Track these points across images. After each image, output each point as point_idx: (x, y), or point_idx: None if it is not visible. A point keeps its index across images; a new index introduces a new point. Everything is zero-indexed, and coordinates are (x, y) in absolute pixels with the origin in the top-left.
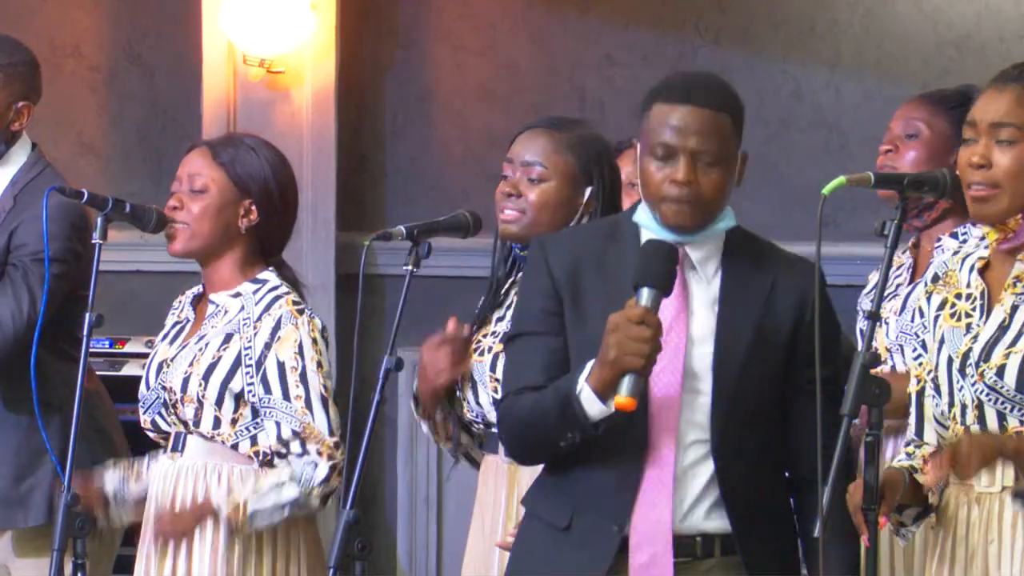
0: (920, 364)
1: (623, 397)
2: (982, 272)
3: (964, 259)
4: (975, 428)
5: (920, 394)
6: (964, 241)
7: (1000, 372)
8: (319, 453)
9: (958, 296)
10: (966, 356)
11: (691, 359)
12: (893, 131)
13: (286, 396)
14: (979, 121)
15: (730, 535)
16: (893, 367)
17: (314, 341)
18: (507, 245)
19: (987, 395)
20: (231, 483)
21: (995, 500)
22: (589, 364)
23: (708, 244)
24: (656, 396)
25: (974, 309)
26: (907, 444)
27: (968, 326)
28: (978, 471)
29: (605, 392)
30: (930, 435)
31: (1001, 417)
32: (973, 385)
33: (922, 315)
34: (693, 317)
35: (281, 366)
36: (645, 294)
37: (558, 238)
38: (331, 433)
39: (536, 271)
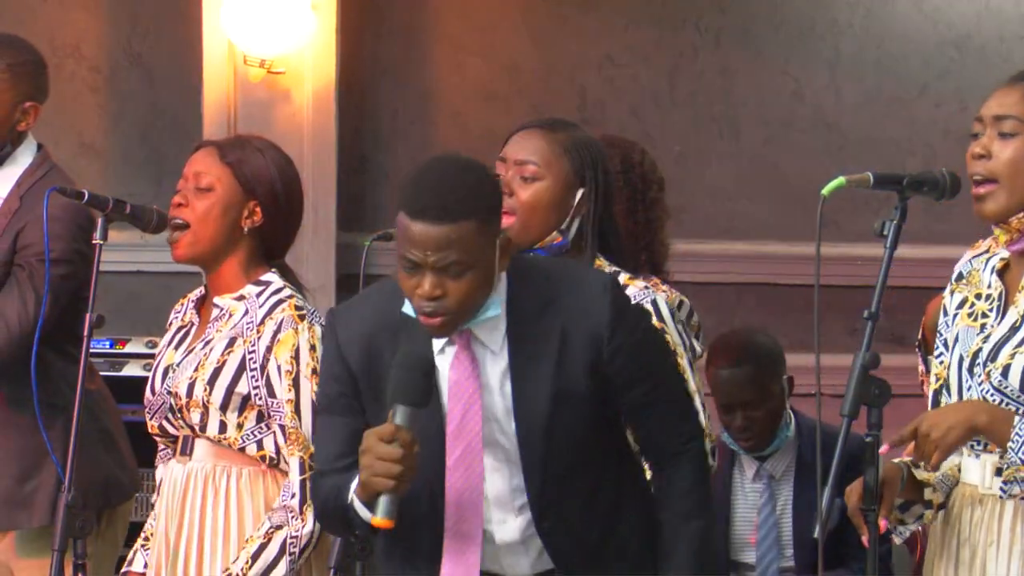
0: (941, 363)
1: (378, 518)
2: (1001, 273)
3: (988, 260)
4: None
5: (938, 392)
6: None
7: (1005, 372)
8: (303, 472)
9: (978, 296)
10: (975, 356)
11: (493, 434)
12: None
13: (279, 399)
14: (985, 116)
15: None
16: None
17: (312, 348)
18: None
19: (993, 395)
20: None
21: (996, 502)
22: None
23: (490, 319)
24: (455, 487)
25: (991, 310)
26: None
27: (983, 326)
28: (946, 456)
29: (371, 505)
30: None
31: None
32: (980, 385)
33: (945, 314)
34: (489, 393)
35: (278, 369)
36: (399, 412)
37: (350, 314)
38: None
39: (329, 352)
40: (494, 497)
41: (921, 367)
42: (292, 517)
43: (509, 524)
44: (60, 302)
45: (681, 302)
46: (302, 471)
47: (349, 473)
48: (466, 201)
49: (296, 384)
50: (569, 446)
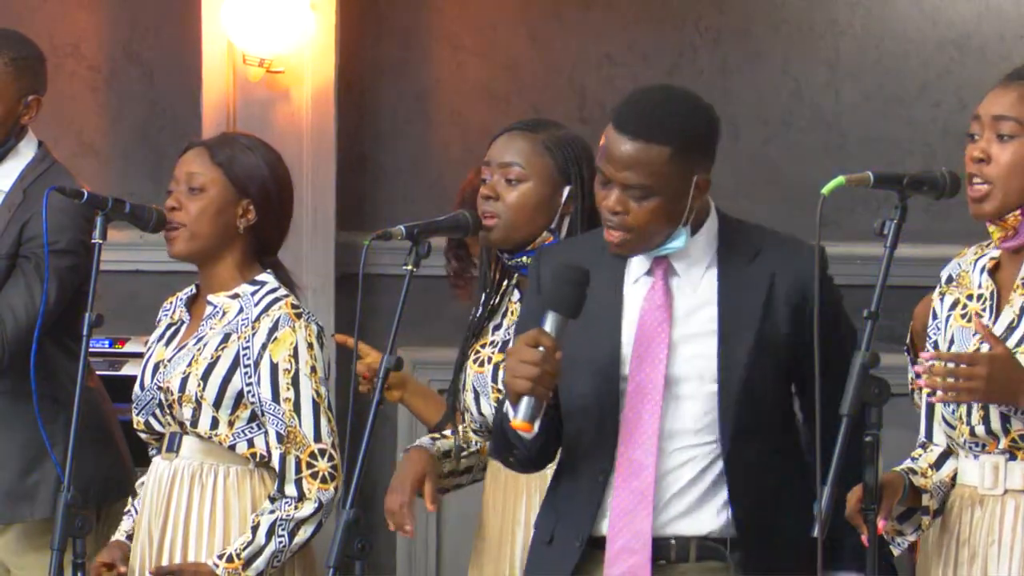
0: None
1: (517, 420)
2: (992, 273)
3: (977, 260)
4: (980, 429)
5: (932, 395)
6: None
7: None
8: (299, 472)
9: (969, 297)
10: None
11: (674, 366)
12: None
13: (275, 398)
14: (983, 115)
15: (706, 537)
16: None
17: (310, 346)
18: (492, 252)
19: None
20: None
21: (997, 502)
22: None
23: (692, 248)
24: (632, 406)
25: (984, 310)
26: (918, 446)
27: None
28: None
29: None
30: (939, 437)
31: (1005, 419)
32: None
33: (935, 317)
34: (677, 324)
35: (274, 368)
36: (549, 318)
37: (553, 251)
38: (317, 439)
39: (532, 285)
40: (678, 429)
41: (911, 371)
42: (286, 503)
43: (689, 462)
44: (66, 293)
45: None
46: (298, 471)
47: None
48: (667, 126)
49: (296, 383)
50: (761, 394)
